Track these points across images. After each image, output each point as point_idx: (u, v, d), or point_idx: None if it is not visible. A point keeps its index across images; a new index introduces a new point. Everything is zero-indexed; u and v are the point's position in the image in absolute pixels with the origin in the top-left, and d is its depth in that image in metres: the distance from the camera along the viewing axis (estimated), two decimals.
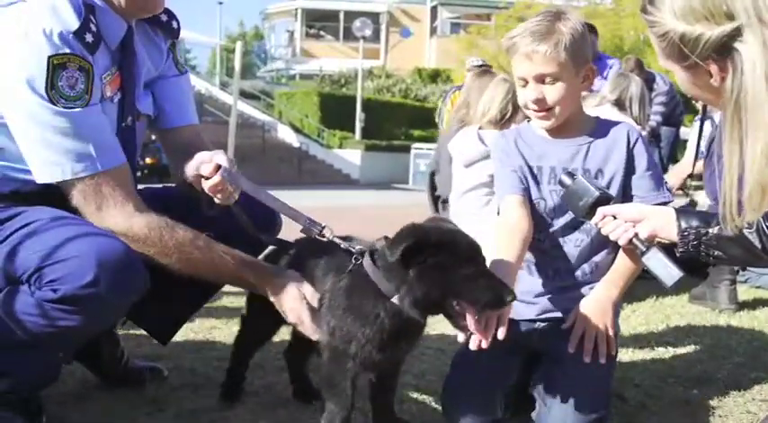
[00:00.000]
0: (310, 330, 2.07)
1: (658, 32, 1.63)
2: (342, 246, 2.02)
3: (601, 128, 2.36)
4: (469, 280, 1.81)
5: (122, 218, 2.01)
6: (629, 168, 2.30)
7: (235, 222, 2.19)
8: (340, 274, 2.01)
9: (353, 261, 1.97)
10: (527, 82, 2.25)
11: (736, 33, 1.50)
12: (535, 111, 2.27)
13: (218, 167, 2.07)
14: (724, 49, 1.53)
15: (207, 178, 2.09)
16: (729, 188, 1.59)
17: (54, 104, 1.90)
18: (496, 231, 2.27)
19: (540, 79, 2.22)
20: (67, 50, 1.92)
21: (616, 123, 2.39)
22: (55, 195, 2.01)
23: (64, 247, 1.87)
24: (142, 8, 2.16)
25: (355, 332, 1.92)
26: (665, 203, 2.25)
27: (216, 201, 2.11)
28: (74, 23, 1.94)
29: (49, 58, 1.89)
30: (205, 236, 2.08)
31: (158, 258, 2.05)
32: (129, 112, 2.22)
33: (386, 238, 1.99)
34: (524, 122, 2.55)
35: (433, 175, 5.19)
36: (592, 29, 6.66)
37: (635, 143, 2.31)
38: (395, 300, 1.88)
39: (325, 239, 2.08)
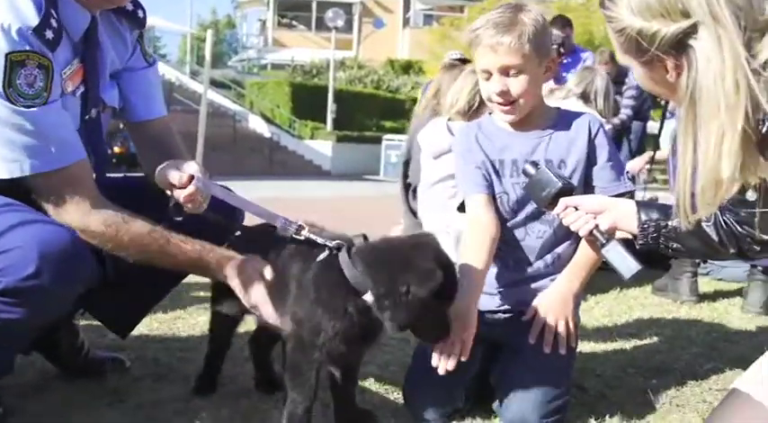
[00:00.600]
0: (271, 316, 2.06)
1: (616, 28, 1.65)
2: (318, 241, 2.01)
3: (562, 119, 2.38)
4: (441, 318, 1.94)
5: (78, 215, 1.99)
6: (591, 159, 2.32)
7: (197, 219, 2.18)
8: (307, 264, 2.00)
9: (327, 253, 1.97)
10: (491, 74, 2.25)
11: (692, 30, 1.52)
12: (499, 103, 2.28)
13: (192, 178, 2.05)
14: (680, 46, 1.55)
15: (179, 188, 2.06)
16: (683, 183, 1.61)
17: (12, 103, 1.86)
18: (470, 231, 2.31)
19: (505, 71, 2.23)
20: (27, 47, 1.86)
21: (578, 114, 2.42)
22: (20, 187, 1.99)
23: (5, 236, 1.83)
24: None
25: (324, 324, 1.92)
26: (626, 193, 2.28)
27: (186, 209, 2.10)
28: (33, 19, 1.88)
29: (7, 55, 1.84)
30: (161, 227, 2.07)
31: (116, 252, 2.05)
32: (92, 105, 2.19)
33: (365, 236, 2.00)
34: (486, 115, 2.56)
35: (406, 163, 5.20)
36: (567, 22, 6.73)
37: (596, 134, 2.33)
38: (366, 297, 1.89)
39: (302, 237, 2.06)
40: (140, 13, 2.34)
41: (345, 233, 2.08)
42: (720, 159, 1.52)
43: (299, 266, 2.02)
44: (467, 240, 2.26)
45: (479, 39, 2.23)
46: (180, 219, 2.10)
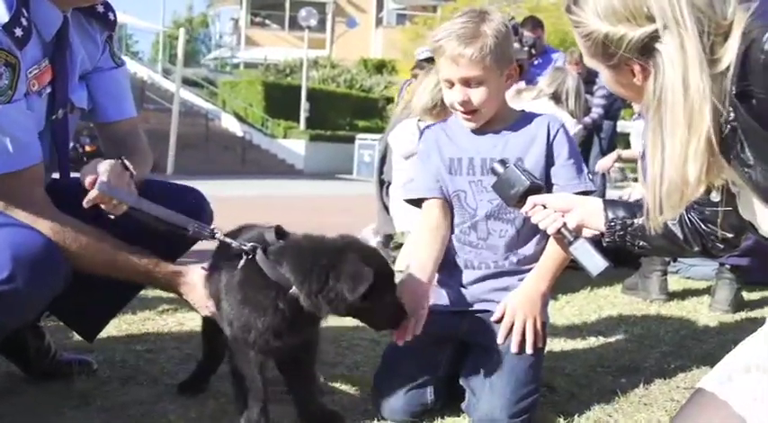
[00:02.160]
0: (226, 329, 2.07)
1: (583, 32, 1.66)
2: (233, 245, 1.99)
3: (523, 120, 2.43)
4: (387, 310, 2.00)
5: (27, 220, 1.95)
6: (550, 159, 2.36)
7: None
8: (232, 269, 2.00)
9: (245, 257, 1.96)
10: (453, 84, 2.29)
11: (657, 34, 1.54)
12: (461, 112, 2.32)
13: (95, 181, 1.99)
14: (646, 50, 1.56)
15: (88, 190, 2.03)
16: (653, 185, 1.63)
17: None
18: (420, 230, 2.42)
19: (466, 82, 2.27)
20: None
21: (539, 116, 2.46)
22: None
23: None
24: None
25: (252, 322, 1.94)
26: (586, 193, 2.31)
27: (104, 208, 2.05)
28: (3, 16, 1.86)
29: None
30: (111, 238, 2.05)
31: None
32: (59, 105, 2.17)
33: (277, 228, 2.01)
34: (452, 117, 2.59)
35: (383, 160, 5.23)
36: (539, 23, 6.77)
37: (556, 134, 2.37)
38: (293, 291, 1.89)
39: (216, 240, 2.05)
40: (111, 16, 2.33)
41: (261, 232, 2.05)
42: (687, 162, 1.54)
43: (227, 273, 2.02)
44: (417, 238, 2.39)
45: (442, 49, 2.27)
46: (112, 216, 2.04)
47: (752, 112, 1.49)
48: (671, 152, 1.56)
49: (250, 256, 1.95)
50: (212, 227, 2.06)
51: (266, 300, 1.93)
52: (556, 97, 4.69)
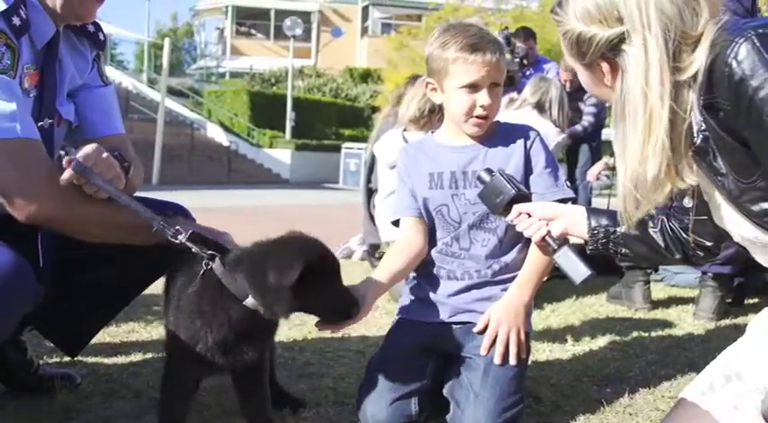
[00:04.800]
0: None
1: (561, 31, 1.77)
2: (193, 250, 1.96)
3: (500, 131, 2.45)
4: (333, 295, 1.97)
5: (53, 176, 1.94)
6: (528, 169, 2.39)
7: None
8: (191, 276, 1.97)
9: (204, 266, 1.94)
10: (477, 88, 2.29)
11: (625, 36, 1.63)
12: (479, 116, 2.33)
13: (71, 162, 1.95)
14: (614, 51, 1.67)
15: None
16: (621, 181, 1.73)
17: None
18: (393, 246, 2.48)
19: (492, 87, 2.31)
20: None
21: (516, 126, 2.50)
22: None
23: None
24: (75, 14, 2.12)
25: (203, 336, 1.92)
26: (566, 200, 2.33)
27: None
28: (2, 4, 1.90)
29: None
30: None
31: (83, 210, 2.00)
32: (46, 114, 2.16)
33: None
34: (428, 134, 2.62)
35: (370, 169, 5.24)
36: (531, 34, 6.79)
37: (532, 144, 2.42)
38: (247, 302, 1.89)
39: (177, 242, 1.98)
40: (101, 36, 2.35)
41: (230, 241, 2.07)
42: (646, 160, 1.62)
43: (182, 280, 2.00)
44: (387, 253, 2.46)
45: (478, 54, 2.26)
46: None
47: (720, 125, 1.55)
48: (631, 149, 1.65)
49: (209, 267, 1.93)
50: (176, 227, 2.00)
51: (220, 313, 1.91)
52: (539, 107, 4.71)
